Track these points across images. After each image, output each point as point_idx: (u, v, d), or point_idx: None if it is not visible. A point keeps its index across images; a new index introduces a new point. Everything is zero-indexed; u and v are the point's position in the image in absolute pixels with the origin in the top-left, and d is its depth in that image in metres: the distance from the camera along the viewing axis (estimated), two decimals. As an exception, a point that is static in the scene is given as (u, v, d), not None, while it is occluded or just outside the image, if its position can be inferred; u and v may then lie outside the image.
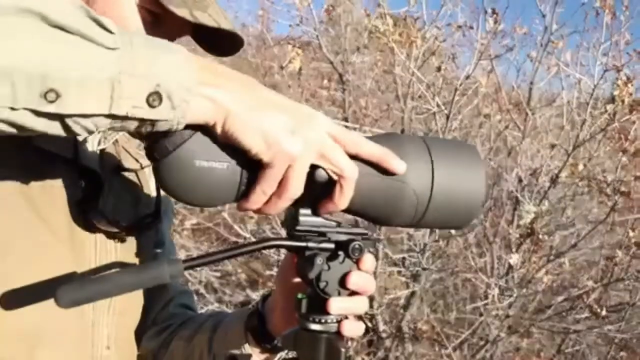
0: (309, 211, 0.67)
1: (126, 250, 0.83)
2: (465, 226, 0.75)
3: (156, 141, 0.58)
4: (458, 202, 0.69)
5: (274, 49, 3.93)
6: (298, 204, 0.65)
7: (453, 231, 3.02)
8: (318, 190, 0.64)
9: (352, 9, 3.99)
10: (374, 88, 4.18)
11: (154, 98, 0.53)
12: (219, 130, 0.58)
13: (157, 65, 0.53)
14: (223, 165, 0.60)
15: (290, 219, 0.69)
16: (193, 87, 0.55)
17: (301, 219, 0.67)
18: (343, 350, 0.69)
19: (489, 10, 2.78)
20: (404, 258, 3.43)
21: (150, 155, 0.60)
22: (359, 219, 0.72)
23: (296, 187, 0.61)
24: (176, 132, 0.57)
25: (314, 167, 0.62)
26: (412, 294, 3.50)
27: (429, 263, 3.36)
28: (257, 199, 0.62)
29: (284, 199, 0.62)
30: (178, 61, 0.55)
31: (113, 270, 0.64)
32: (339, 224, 0.69)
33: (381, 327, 3.56)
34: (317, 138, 0.62)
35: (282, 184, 0.61)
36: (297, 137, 0.60)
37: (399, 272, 3.53)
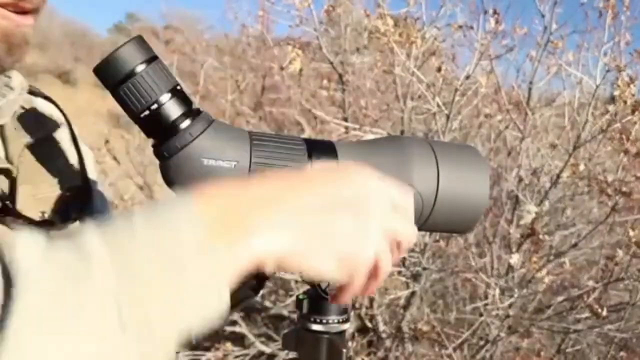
0: None
1: None
2: (468, 231, 0.75)
3: (165, 140, 0.58)
4: (462, 205, 0.69)
5: (274, 49, 3.92)
6: None
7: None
8: None
9: (352, 9, 3.99)
10: (373, 88, 4.17)
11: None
12: (275, 268, 0.48)
13: (184, 313, 0.43)
14: (231, 164, 0.60)
15: None
16: (231, 277, 0.45)
17: None
18: (344, 350, 0.69)
19: (490, 11, 2.78)
20: (404, 258, 3.42)
21: (158, 153, 0.60)
22: None
23: (386, 273, 0.53)
24: (184, 131, 0.58)
25: None
26: (412, 294, 3.50)
27: (429, 263, 3.36)
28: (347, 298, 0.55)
29: (380, 282, 0.55)
30: (203, 281, 0.43)
31: None
32: None
33: (381, 327, 3.56)
34: (383, 224, 0.52)
35: (372, 275, 0.53)
36: (364, 238, 0.50)
37: (399, 272, 3.53)
